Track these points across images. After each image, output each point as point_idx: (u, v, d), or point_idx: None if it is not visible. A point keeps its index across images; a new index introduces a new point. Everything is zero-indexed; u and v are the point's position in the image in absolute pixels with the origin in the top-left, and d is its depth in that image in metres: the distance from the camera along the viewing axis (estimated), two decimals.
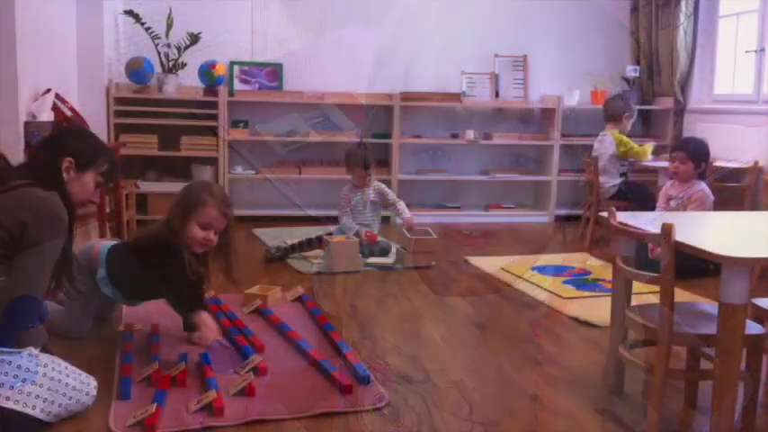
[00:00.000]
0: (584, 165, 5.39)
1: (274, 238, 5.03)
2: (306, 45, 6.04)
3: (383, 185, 4.77)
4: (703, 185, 4.22)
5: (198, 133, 5.63)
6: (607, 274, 4.14)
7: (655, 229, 2.20)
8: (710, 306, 2.42)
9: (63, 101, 4.37)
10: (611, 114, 5.28)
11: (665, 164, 4.75)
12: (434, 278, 4.16)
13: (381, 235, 4.73)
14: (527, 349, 3.00)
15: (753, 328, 2.19)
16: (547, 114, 6.22)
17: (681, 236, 2.11)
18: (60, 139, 2.46)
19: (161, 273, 2.74)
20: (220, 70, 5.65)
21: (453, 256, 4.73)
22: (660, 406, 2.17)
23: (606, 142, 5.19)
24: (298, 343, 2.89)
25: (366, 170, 4.59)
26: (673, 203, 4.30)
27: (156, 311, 3.15)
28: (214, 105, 5.61)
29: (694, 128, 5.78)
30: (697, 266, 4.16)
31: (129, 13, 5.50)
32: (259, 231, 5.31)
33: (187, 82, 5.73)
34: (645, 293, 3.01)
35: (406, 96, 5.95)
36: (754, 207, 4.75)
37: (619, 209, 2.59)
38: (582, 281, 4.12)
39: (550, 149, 6.14)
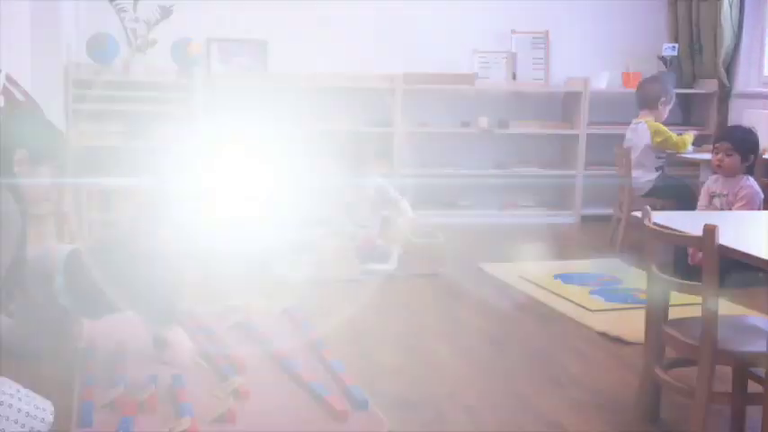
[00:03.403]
0: (615, 157, 5.39)
1: (258, 241, 5.02)
2: (294, 19, 6.03)
3: (383, 181, 4.76)
4: (751, 181, 4.22)
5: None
6: (641, 282, 4.13)
7: (696, 231, 2.19)
8: (760, 320, 2.42)
9: (14, 83, 4.37)
10: (646, 99, 5.28)
11: (707, 156, 4.75)
12: (442, 287, 4.16)
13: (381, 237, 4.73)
14: (548, 369, 3.00)
15: None
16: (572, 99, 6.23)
17: (725, 239, 2.11)
18: (12, 128, 2.46)
19: (128, 281, 2.74)
20: (196, 48, 5.64)
21: (463, 261, 4.73)
22: None
23: (640, 131, 5.18)
24: (285, 362, 2.89)
25: (364, 164, 4.59)
26: (716, 202, 4.30)
27: (122, 326, 3.15)
28: (189, 89, 5.60)
29: (741, 115, 5.78)
30: (744, 274, 4.20)
31: None
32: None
33: (157, 62, 5.72)
34: (684, 305, 3.01)
35: (411, 78, 5.94)
36: None
37: (654, 208, 2.59)
38: (612, 291, 4.12)
39: (575, 139, 6.14)
